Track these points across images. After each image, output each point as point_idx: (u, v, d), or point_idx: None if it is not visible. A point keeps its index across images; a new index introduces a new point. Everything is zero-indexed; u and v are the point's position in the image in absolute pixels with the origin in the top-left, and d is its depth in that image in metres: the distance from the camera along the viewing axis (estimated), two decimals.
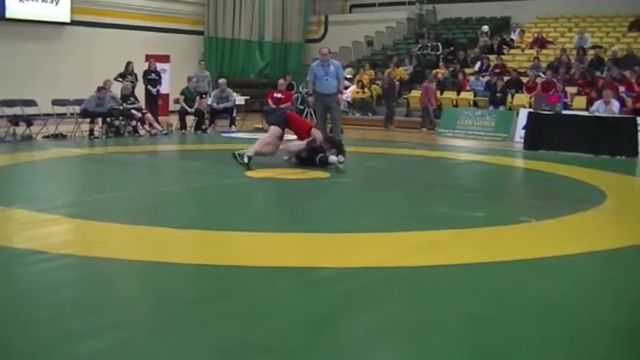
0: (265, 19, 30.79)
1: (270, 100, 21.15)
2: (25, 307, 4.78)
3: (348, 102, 24.50)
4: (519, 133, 18.42)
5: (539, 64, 22.91)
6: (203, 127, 19.43)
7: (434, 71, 25.18)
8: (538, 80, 21.40)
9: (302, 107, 21.83)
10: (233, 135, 18.75)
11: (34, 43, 23.28)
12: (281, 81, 22.41)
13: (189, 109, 19.25)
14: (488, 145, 18.35)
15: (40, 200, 8.73)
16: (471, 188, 11.27)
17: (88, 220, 7.60)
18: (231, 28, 29.75)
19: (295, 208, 8.99)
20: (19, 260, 5.93)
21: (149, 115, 18.35)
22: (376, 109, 24.45)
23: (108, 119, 17.16)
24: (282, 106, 20.76)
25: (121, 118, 17.39)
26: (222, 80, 20.47)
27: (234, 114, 20.43)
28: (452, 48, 27.23)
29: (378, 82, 25.06)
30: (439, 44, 27.16)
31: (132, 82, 19.24)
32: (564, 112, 16.95)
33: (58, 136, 16.26)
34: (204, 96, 19.99)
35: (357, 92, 24.64)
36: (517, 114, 19.53)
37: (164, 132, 18.21)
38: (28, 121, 16.03)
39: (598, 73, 21.14)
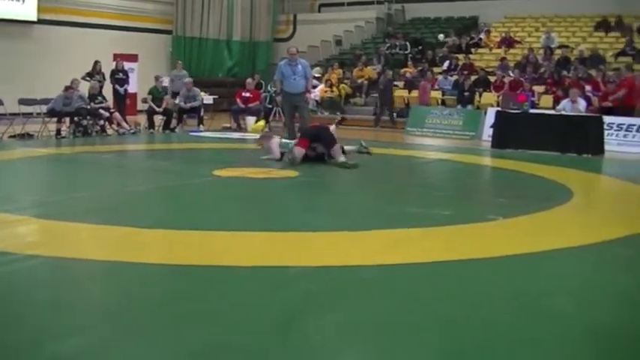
0: (234, 18, 30.72)
1: (238, 100, 21.14)
2: None
3: (317, 101, 24.51)
4: (487, 132, 18.53)
5: (508, 63, 23.04)
6: (171, 126, 19.36)
7: (402, 70, 25.28)
8: (506, 79, 21.53)
9: (270, 106, 21.80)
10: (201, 134, 18.71)
11: (0, 42, 23.05)
12: (249, 80, 22.40)
13: (157, 109, 19.19)
14: (457, 143, 18.43)
15: (6, 201, 8.66)
16: (439, 187, 11.31)
17: (55, 220, 7.54)
18: (199, 27, 29.66)
19: (263, 208, 8.97)
20: None
21: (117, 115, 18.24)
22: (344, 108, 24.47)
23: (75, 119, 17.04)
24: (250, 105, 20.76)
25: (88, 117, 17.25)
26: (188, 80, 20.39)
27: (202, 113, 20.37)
28: (420, 47, 27.32)
29: (346, 81, 25.12)
30: (407, 43, 27.22)
31: (99, 82, 19.12)
32: (532, 110, 17.06)
33: (25, 136, 16.11)
34: (176, 96, 19.90)
35: (326, 91, 24.66)
36: (485, 113, 19.65)
37: (132, 131, 18.12)
38: None
39: (565, 73, 21.30)
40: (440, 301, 5.13)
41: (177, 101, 19.69)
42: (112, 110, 18.30)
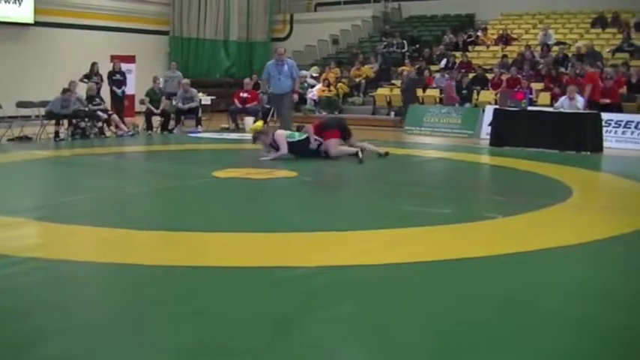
0: (230, 18, 30.74)
1: (236, 100, 21.12)
2: None
3: (315, 100, 24.53)
4: (485, 130, 18.53)
5: (507, 61, 23.00)
6: (169, 127, 19.35)
7: (399, 69, 25.29)
8: (503, 77, 21.52)
9: (268, 107, 21.77)
10: (199, 135, 18.70)
11: None
12: (247, 80, 22.39)
13: (155, 110, 19.17)
14: (455, 141, 18.42)
15: (4, 203, 8.67)
16: (437, 185, 11.31)
17: (54, 222, 7.55)
18: (196, 27, 29.66)
19: (260, 208, 8.98)
20: None
21: (115, 117, 18.21)
22: (342, 107, 24.49)
23: (73, 121, 17.03)
24: (248, 105, 20.75)
25: (86, 119, 17.26)
26: (185, 81, 20.37)
27: (200, 114, 20.34)
28: (417, 45, 27.33)
29: (344, 80, 25.10)
30: (404, 42, 27.21)
31: (97, 83, 19.09)
32: (529, 108, 17.05)
33: (23, 139, 16.13)
34: (173, 97, 19.86)
35: (324, 91, 24.65)
36: (483, 111, 19.63)
37: (130, 133, 18.09)
38: None
39: (562, 69, 21.29)
40: (439, 300, 5.13)
41: (174, 102, 19.66)
42: (109, 112, 18.27)
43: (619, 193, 11.06)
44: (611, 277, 5.93)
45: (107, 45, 25.15)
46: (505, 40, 25.96)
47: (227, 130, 20.39)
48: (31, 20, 23.89)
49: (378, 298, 5.17)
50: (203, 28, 29.87)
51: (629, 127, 17.16)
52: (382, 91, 24.24)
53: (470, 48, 26.34)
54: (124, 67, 21.72)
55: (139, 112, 22.49)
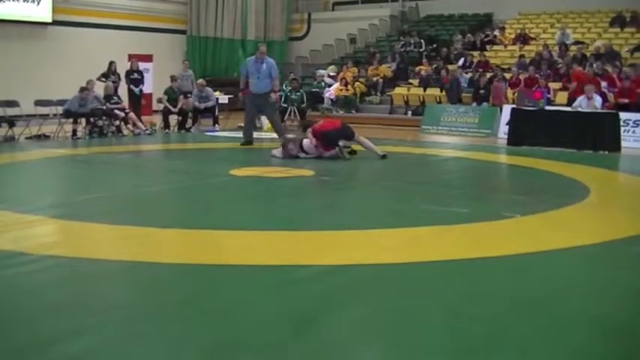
0: (248, 17, 30.78)
1: None
2: (9, 308, 4.76)
3: (332, 99, 24.52)
4: (503, 129, 18.47)
5: (525, 61, 22.91)
6: (187, 126, 19.38)
7: (417, 68, 25.26)
8: (521, 76, 21.44)
9: (285, 105, 21.77)
10: (217, 134, 18.73)
11: (16, 44, 23.15)
12: None
13: (172, 109, 19.21)
14: (472, 141, 18.38)
15: (23, 201, 8.71)
16: (454, 184, 11.28)
17: (72, 220, 7.58)
18: (213, 26, 29.70)
19: (279, 207, 8.98)
20: (3, 262, 5.88)
21: (132, 115, 18.29)
22: (359, 106, 24.48)
23: (91, 119, 17.09)
24: None
25: (104, 118, 17.33)
26: (200, 80, 20.41)
27: (217, 113, 20.36)
28: (435, 45, 27.27)
29: (361, 79, 25.09)
30: (422, 41, 27.17)
31: (114, 82, 19.18)
32: (547, 107, 16.99)
33: (41, 137, 16.20)
34: (188, 95, 19.89)
35: (341, 90, 24.63)
36: (500, 110, 19.57)
37: (147, 132, 18.15)
38: (11, 122, 15.95)
39: (580, 69, 21.19)
40: (456, 298, 5.11)
41: (192, 101, 19.67)
42: (127, 111, 18.34)
43: (637, 192, 11.03)
44: (630, 277, 5.90)
45: (125, 44, 25.26)
46: (523, 39, 25.87)
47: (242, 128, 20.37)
48: (49, 19, 24.00)
49: (395, 297, 5.16)
50: (220, 27, 29.90)
51: None
52: (399, 91, 24.22)
53: (487, 47, 26.26)
54: (142, 66, 21.77)
55: (156, 111, 22.56)
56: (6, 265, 5.77)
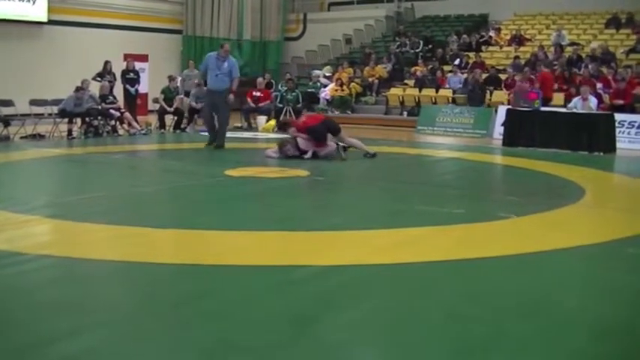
0: (244, 17, 30.78)
1: (249, 99, 21.16)
2: (4, 309, 4.75)
3: (327, 100, 24.53)
4: (498, 130, 18.49)
5: (520, 62, 22.91)
6: (182, 126, 19.37)
7: (412, 69, 25.28)
8: (517, 77, 21.42)
9: (281, 106, 21.79)
10: None
11: (11, 43, 23.12)
12: (260, 79, 22.44)
13: (168, 109, 19.21)
14: (468, 141, 18.40)
15: (18, 201, 8.69)
16: (450, 185, 11.28)
17: (67, 220, 7.56)
18: (209, 26, 29.70)
19: (274, 207, 8.97)
20: None
21: (128, 115, 18.28)
22: (355, 107, 24.49)
23: (86, 119, 17.07)
24: (261, 104, 20.77)
25: (99, 117, 17.31)
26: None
27: None
28: (430, 46, 27.28)
29: (356, 79, 25.09)
30: (420, 42, 27.18)
31: (110, 82, 19.15)
32: (542, 108, 17.01)
33: (36, 137, 16.17)
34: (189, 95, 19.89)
35: (336, 90, 24.64)
36: (496, 111, 19.60)
37: (143, 131, 18.13)
38: (6, 121, 15.92)
39: (576, 70, 21.22)
40: (453, 299, 5.12)
41: (189, 100, 19.67)
42: (122, 110, 18.32)
43: (632, 193, 11.05)
44: (626, 278, 5.90)
45: (120, 43, 25.25)
46: (518, 40, 25.90)
47: (240, 129, 20.40)
48: (44, 19, 23.99)
49: (392, 297, 5.17)
50: (216, 27, 29.90)
51: None
52: (395, 91, 24.21)
53: (483, 48, 26.28)
54: (138, 65, 21.74)
55: (151, 111, 22.55)
56: (1, 265, 5.75)
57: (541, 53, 23.08)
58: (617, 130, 16.47)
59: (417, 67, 25.17)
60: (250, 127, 20.63)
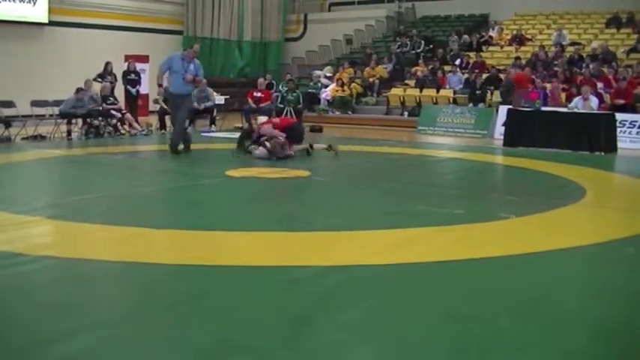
0: (244, 18, 30.78)
1: (250, 100, 21.13)
2: (4, 309, 4.76)
3: (328, 100, 24.52)
4: (499, 130, 18.48)
5: (521, 63, 22.90)
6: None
7: (413, 69, 25.27)
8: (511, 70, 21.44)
9: (282, 106, 21.77)
10: (213, 135, 18.71)
11: (12, 44, 23.10)
12: (261, 80, 22.40)
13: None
14: (468, 142, 18.39)
15: (19, 202, 8.70)
16: (450, 185, 11.29)
17: (68, 221, 7.57)
18: (210, 27, 29.69)
19: (274, 207, 8.98)
20: None
21: (129, 116, 18.27)
22: (355, 107, 24.49)
23: (87, 120, 17.07)
24: (261, 105, 20.74)
25: (100, 118, 17.31)
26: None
27: (215, 113, 20.36)
28: (431, 46, 27.27)
29: (357, 80, 25.09)
30: (422, 42, 27.18)
31: (111, 83, 19.13)
32: (543, 108, 17.00)
33: (37, 138, 16.17)
34: None
35: (337, 90, 24.63)
36: (496, 111, 19.59)
37: (144, 132, 18.13)
38: (7, 122, 15.91)
39: (576, 70, 21.21)
40: (452, 299, 5.12)
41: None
42: (123, 111, 18.32)
43: (632, 193, 11.05)
44: (626, 277, 5.91)
45: (121, 44, 25.22)
46: (519, 40, 25.88)
47: (240, 129, 20.34)
48: (45, 20, 23.97)
49: (391, 297, 5.17)
50: (217, 27, 29.90)
51: None
52: (396, 91, 24.19)
53: (484, 48, 26.27)
54: (138, 66, 21.73)
55: (152, 112, 22.54)
56: (1, 266, 5.76)
57: (542, 53, 23.07)
58: (618, 129, 16.46)
59: (417, 68, 25.16)
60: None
